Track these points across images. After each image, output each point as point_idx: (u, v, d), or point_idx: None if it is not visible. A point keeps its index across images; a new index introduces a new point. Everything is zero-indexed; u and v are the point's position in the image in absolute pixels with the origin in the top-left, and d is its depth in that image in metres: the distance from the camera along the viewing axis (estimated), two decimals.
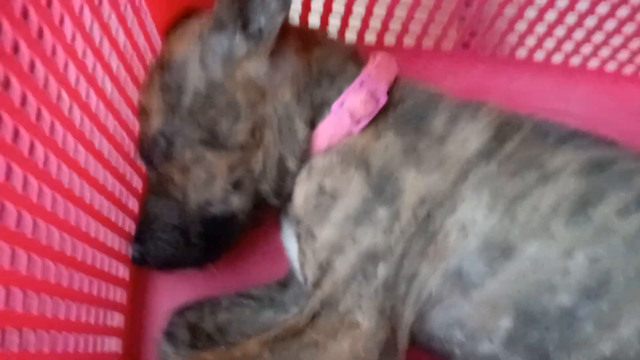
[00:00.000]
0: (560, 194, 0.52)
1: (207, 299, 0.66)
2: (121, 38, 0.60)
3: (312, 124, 0.58)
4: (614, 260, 0.50)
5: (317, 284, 0.54)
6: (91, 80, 0.54)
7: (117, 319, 0.64)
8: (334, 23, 0.74)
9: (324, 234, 0.54)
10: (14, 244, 0.43)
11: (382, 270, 0.52)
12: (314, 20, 0.74)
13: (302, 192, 0.58)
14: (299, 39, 0.60)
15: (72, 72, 0.51)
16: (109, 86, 0.58)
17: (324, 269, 0.53)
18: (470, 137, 0.56)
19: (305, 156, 0.58)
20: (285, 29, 0.57)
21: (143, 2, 0.64)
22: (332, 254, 0.53)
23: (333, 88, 0.59)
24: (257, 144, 0.58)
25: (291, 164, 0.58)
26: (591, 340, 0.50)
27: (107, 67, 0.57)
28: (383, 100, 0.57)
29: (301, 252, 0.57)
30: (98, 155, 0.57)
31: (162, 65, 0.59)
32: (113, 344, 0.63)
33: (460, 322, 0.54)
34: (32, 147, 0.46)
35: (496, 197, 0.53)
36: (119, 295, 0.65)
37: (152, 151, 0.59)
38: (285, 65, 0.58)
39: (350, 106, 0.57)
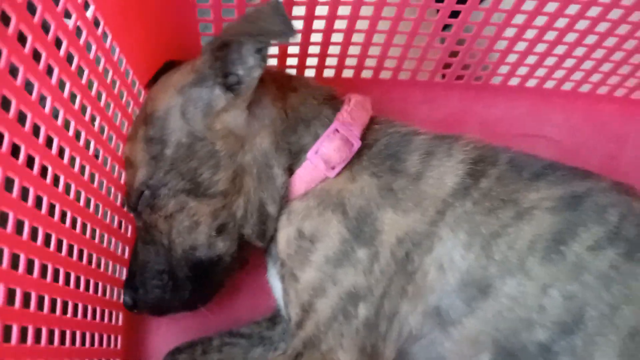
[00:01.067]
0: (535, 232, 0.54)
1: (199, 340, 0.68)
2: (103, 96, 0.62)
3: (290, 170, 0.60)
4: (587, 296, 0.52)
5: (299, 325, 0.56)
6: (73, 142, 0.56)
7: None
8: (311, 62, 0.76)
9: (305, 277, 0.56)
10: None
11: (363, 310, 0.54)
12: (292, 62, 0.75)
13: (284, 236, 0.60)
14: (275, 87, 0.62)
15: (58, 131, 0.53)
16: (92, 143, 0.60)
17: (306, 310, 0.55)
18: (446, 174, 0.57)
19: (284, 201, 0.60)
20: (262, 78, 0.59)
21: (124, 61, 0.66)
22: (313, 295, 0.55)
23: (309, 134, 0.61)
24: (237, 190, 0.60)
25: (271, 208, 0.60)
26: None
27: (88, 127, 0.59)
28: (357, 145, 0.59)
29: (285, 292, 0.59)
30: (84, 212, 0.59)
31: (146, 119, 0.61)
32: None
33: (441, 358, 0.56)
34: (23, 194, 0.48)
35: (473, 235, 0.55)
36: (115, 341, 0.66)
37: (137, 201, 0.61)
38: (263, 114, 0.60)
39: (325, 153, 0.59)
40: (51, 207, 0.52)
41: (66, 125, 0.54)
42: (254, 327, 0.69)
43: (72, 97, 0.55)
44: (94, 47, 0.58)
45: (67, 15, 0.53)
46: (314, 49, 0.74)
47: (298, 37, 0.71)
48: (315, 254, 0.56)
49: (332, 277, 0.55)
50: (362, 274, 0.55)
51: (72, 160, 0.56)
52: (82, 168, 0.58)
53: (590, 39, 0.72)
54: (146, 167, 0.60)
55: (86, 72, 0.57)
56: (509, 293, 0.53)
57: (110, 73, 0.63)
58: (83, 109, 0.58)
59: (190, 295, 0.63)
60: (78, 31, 0.55)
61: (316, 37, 0.71)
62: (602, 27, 0.69)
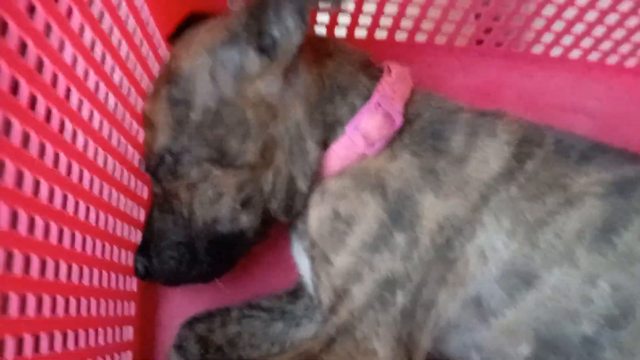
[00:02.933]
0: (584, 220, 0.51)
1: (217, 311, 0.65)
2: (124, 47, 0.57)
3: (325, 144, 0.56)
4: (637, 288, 0.49)
5: (332, 310, 0.53)
6: (92, 93, 0.52)
7: (127, 332, 0.63)
8: (344, 22, 0.71)
9: (340, 261, 0.53)
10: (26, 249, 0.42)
11: (400, 298, 0.51)
12: (323, 19, 0.70)
13: (316, 216, 0.56)
14: (309, 52, 0.57)
15: (76, 81, 0.49)
16: (112, 99, 0.56)
17: (340, 295, 0.52)
18: (490, 157, 0.54)
19: (316, 177, 0.57)
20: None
21: (145, 6, 0.61)
22: (348, 281, 0.52)
23: (346, 104, 0.56)
24: (267, 163, 0.56)
25: (302, 184, 0.56)
26: None
27: (108, 79, 0.54)
28: (399, 122, 0.55)
29: (315, 275, 0.56)
30: (100, 171, 0.55)
31: (169, 78, 0.56)
32: (124, 357, 0.62)
33: (477, 346, 0.53)
34: (41, 153, 0.44)
35: (517, 223, 0.52)
36: (128, 307, 0.64)
37: (158, 167, 0.57)
38: (298, 83, 0.55)
39: (365, 129, 0.55)
40: (69, 166, 0.48)
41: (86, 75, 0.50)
42: (275, 301, 0.66)
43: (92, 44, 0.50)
44: None
45: None
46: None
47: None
48: (352, 237, 0.53)
49: (368, 262, 0.52)
50: (400, 260, 0.51)
51: (90, 113, 0.51)
52: (100, 123, 0.54)
53: None
54: (169, 131, 0.55)
55: (107, 16, 0.52)
56: (554, 284, 0.50)
57: (132, 19, 0.57)
58: (102, 58, 0.53)
59: (207, 269, 0.59)
60: None
61: None
62: None
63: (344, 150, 0.55)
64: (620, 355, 0.49)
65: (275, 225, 0.63)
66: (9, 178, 0.40)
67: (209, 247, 0.58)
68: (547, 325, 0.50)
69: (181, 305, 0.67)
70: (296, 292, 0.66)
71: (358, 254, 0.52)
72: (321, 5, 0.53)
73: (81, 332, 0.51)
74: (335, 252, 0.53)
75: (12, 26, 0.39)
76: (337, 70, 0.57)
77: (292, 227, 0.62)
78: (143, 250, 0.60)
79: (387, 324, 0.51)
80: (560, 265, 0.50)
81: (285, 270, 0.68)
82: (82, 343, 0.51)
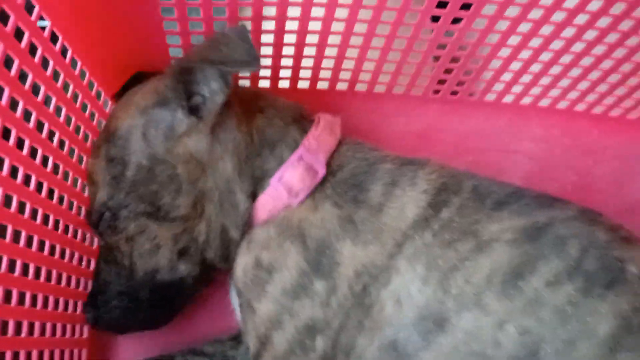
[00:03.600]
0: (493, 266, 0.53)
1: (161, 357, 0.68)
2: (62, 111, 0.60)
3: (254, 196, 0.59)
4: (543, 332, 0.51)
5: (257, 356, 0.55)
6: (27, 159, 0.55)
7: None
8: (285, 75, 0.75)
9: (262, 309, 0.55)
10: None
11: (320, 343, 0.54)
12: (265, 73, 0.74)
13: (241, 265, 0.59)
14: (241, 108, 0.60)
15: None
16: (50, 159, 0.59)
17: (263, 342, 0.55)
18: (407, 205, 0.57)
19: (247, 225, 0.60)
20: (228, 99, 0.57)
21: (87, 74, 0.64)
22: (270, 329, 0.55)
23: (274, 158, 0.59)
24: (199, 215, 0.59)
25: (234, 233, 0.60)
26: None
27: (48, 145, 0.58)
28: (321, 173, 0.58)
29: (242, 321, 0.58)
30: (47, 232, 0.58)
31: (107, 137, 0.60)
32: None
33: None
34: None
35: (430, 269, 0.54)
36: (79, 355, 0.66)
37: (98, 222, 0.60)
38: (227, 139, 0.59)
39: (288, 181, 0.58)
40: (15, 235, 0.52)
41: (19, 144, 0.53)
42: (218, 346, 0.68)
43: (27, 115, 0.54)
44: (51, 63, 0.57)
45: (18, 34, 0.51)
46: (286, 62, 0.72)
47: (265, 65, 0.70)
48: (272, 285, 0.55)
49: (288, 309, 0.54)
50: (320, 306, 0.54)
51: (26, 178, 0.55)
52: (39, 185, 0.57)
53: (566, 58, 0.70)
54: (107, 188, 0.59)
55: (42, 89, 0.56)
56: (465, 327, 0.52)
57: (71, 87, 0.61)
58: (39, 126, 0.56)
59: (151, 316, 0.63)
60: (32, 49, 0.54)
61: (289, 50, 0.70)
62: (578, 47, 0.68)
63: (270, 201, 0.59)
64: None
65: (219, 271, 0.66)
66: None
67: (150, 296, 0.61)
68: None
69: (133, 350, 0.70)
70: (238, 337, 0.68)
71: (279, 301, 0.55)
72: (237, 70, 0.56)
73: None
74: (258, 300, 0.56)
75: None
76: (267, 125, 0.61)
77: (230, 275, 0.64)
78: (91, 300, 0.63)
79: None
80: (470, 310, 0.52)
81: (230, 314, 0.70)
82: None
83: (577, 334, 0.51)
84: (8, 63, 0.50)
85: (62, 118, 0.60)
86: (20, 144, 0.53)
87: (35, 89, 0.55)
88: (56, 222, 0.61)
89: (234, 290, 0.63)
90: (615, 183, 0.80)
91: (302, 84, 0.77)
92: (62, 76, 0.59)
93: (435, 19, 0.65)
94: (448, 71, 0.75)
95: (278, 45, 0.69)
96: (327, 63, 0.73)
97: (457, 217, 0.56)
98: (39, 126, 0.56)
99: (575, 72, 0.72)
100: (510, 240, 0.54)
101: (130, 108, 0.60)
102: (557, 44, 0.68)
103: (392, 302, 0.54)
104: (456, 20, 0.65)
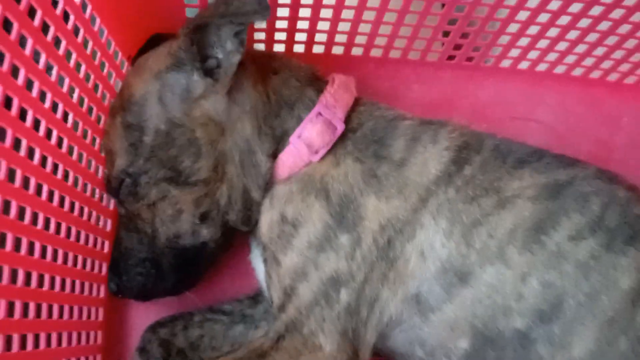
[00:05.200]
0: (516, 221, 0.54)
1: (180, 315, 0.68)
2: (82, 68, 0.60)
3: (274, 155, 0.59)
4: (566, 285, 0.52)
5: (282, 308, 0.56)
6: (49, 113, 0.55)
7: (96, 336, 0.66)
8: (301, 39, 0.74)
9: (288, 261, 0.56)
10: None
11: (344, 296, 0.54)
12: (280, 36, 0.74)
13: (267, 220, 0.59)
14: (256, 69, 0.60)
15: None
16: (71, 117, 0.59)
17: (288, 294, 0.55)
18: (430, 161, 0.57)
19: (269, 185, 0.60)
20: (243, 60, 0.57)
21: (105, 32, 0.64)
22: (295, 280, 0.55)
23: (292, 117, 0.59)
24: (220, 178, 0.59)
25: (256, 194, 0.60)
26: None
27: (68, 101, 0.57)
28: (340, 129, 0.58)
29: (267, 275, 0.59)
30: (66, 187, 0.58)
31: (123, 105, 0.59)
32: None
33: (420, 341, 0.56)
34: (10, 175, 0.48)
35: (454, 223, 0.54)
36: (97, 313, 0.66)
37: (118, 190, 0.60)
38: (244, 100, 0.58)
39: (308, 137, 0.58)
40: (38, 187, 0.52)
41: (42, 97, 0.53)
42: (236, 305, 0.68)
43: (49, 68, 0.54)
44: (72, 17, 0.57)
45: None
46: (302, 24, 0.72)
47: (279, 16, 0.69)
48: (298, 239, 0.56)
49: (314, 261, 0.55)
50: (344, 259, 0.54)
51: (48, 133, 0.55)
52: (60, 140, 0.57)
53: (584, 22, 0.70)
54: (125, 155, 0.59)
55: (63, 43, 0.56)
56: (487, 281, 0.53)
57: (90, 44, 0.61)
58: (60, 81, 0.56)
59: (174, 282, 0.63)
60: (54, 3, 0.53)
61: (305, 12, 0.70)
62: (596, 10, 0.68)
63: (291, 158, 0.59)
64: (551, 347, 0.52)
65: (238, 235, 0.66)
66: None
67: (173, 261, 0.61)
68: (482, 320, 0.53)
69: (148, 312, 0.70)
70: (256, 297, 0.69)
71: (304, 254, 0.55)
72: (249, 21, 0.56)
73: (53, 335, 0.55)
74: (284, 253, 0.56)
75: None
76: (283, 86, 0.61)
77: (252, 234, 0.65)
78: (113, 269, 0.63)
79: (332, 320, 0.53)
80: (493, 264, 0.53)
81: (249, 276, 0.70)
82: (54, 344, 0.55)
83: (599, 287, 0.52)
84: (31, 13, 0.49)
85: (81, 74, 0.60)
86: (42, 96, 0.53)
87: (56, 42, 0.55)
88: (75, 180, 0.61)
89: (256, 248, 0.63)
90: (630, 152, 0.80)
91: (317, 49, 0.77)
92: (81, 32, 0.59)
93: None
94: (465, 35, 0.75)
95: (294, 7, 0.68)
96: (343, 26, 0.72)
97: (479, 174, 0.57)
98: (60, 81, 0.56)
99: (592, 37, 0.72)
100: (532, 196, 0.55)
101: (144, 73, 0.59)
102: (575, 7, 0.67)
103: (416, 255, 0.55)
104: None
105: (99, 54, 0.63)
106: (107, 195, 0.63)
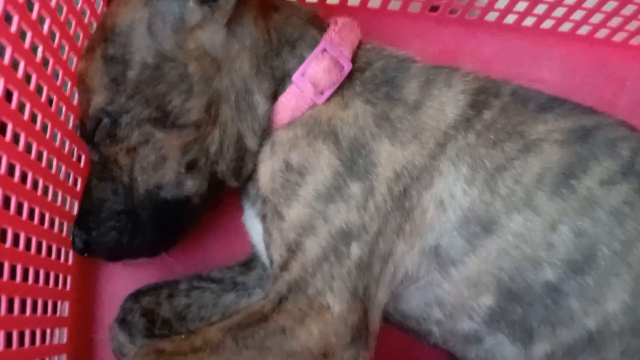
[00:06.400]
0: (543, 165, 0.50)
1: (165, 283, 0.61)
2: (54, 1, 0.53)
3: (274, 98, 0.53)
4: (599, 233, 0.48)
5: (284, 267, 0.49)
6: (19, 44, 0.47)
7: (62, 308, 0.58)
8: None
9: (293, 214, 0.50)
10: None
11: (356, 250, 0.48)
12: None
13: (267, 169, 0.53)
14: (255, 5, 0.54)
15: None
16: (40, 53, 0.51)
17: (293, 250, 0.49)
18: (446, 105, 0.52)
19: (265, 133, 0.54)
20: None
21: None
22: (301, 234, 0.49)
23: (294, 56, 0.54)
24: (212, 121, 0.53)
25: (250, 141, 0.54)
26: (577, 316, 0.48)
27: (36, 28, 0.50)
28: (347, 67, 0.53)
29: (267, 232, 0.52)
30: (32, 131, 0.51)
31: (104, 36, 0.53)
32: (58, 335, 0.57)
33: (438, 301, 0.51)
34: None
35: (475, 169, 0.50)
36: (64, 282, 0.59)
37: (94, 131, 0.53)
38: (244, 34, 0.52)
39: (312, 76, 0.52)
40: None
41: (7, 19, 0.45)
42: (226, 272, 0.62)
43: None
44: None
45: None
46: None
47: None
48: (305, 188, 0.50)
49: (322, 213, 0.49)
50: (356, 210, 0.49)
51: (14, 64, 0.47)
52: (27, 77, 0.49)
53: None
54: (105, 91, 0.52)
55: None
56: (515, 230, 0.49)
57: None
58: (29, 5, 0.49)
59: (152, 240, 0.56)
60: None
61: None
62: None
63: (293, 100, 0.53)
64: (584, 302, 0.48)
65: (225, 194, 0.60)
66: None
67: (152, 215, 0.54)
68: (509, 273, 0.48)
69: (124, 282, 0.63)
70: (248, 263, 0.63)
71: (312, 205, 0.49)
72: None
73: (16, 301, 0.48)
74: (288, 205, 0.50)
75: None
76: (284, 23, 0.55)
77: (244, 193, 0.59)
78: (81, 222, 0.55)
79: (342, 278, 0.48)
80: (520, 211, 0.49)
81: (237, 241, 0.64)
82: (15, 311, 0.48)
83: (635, 235, 0.48)
84: None
85: (53, 3, 0.53)
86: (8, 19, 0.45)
87: None
88: (44, 126, 0.53)
89: (249, 208, 0.57)
90: (634, 112, 0.77)
91: None
92: None
93: None
94: None
95: None
96: None
97: (500, 118, 0.52)
98: (29, 6, 0.48)
99: None
100: (559, 140, 0.51)
101: (131, 1, 0.53)
102: None
103: (434, 205, 0.50)
104: None
105: None
106: (80, 137, 0.55)
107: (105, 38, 0.53)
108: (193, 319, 0.60)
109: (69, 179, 0.59)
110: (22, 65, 0.48)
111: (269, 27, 0.54)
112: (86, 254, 0.57)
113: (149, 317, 0.59)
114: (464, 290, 0.50)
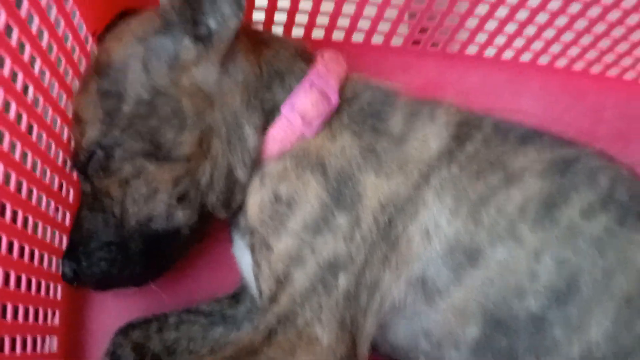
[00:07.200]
0: (525, 196, 0.51)
1: (154, 317, 0.61)
2: (45, 40, 0.54)
3: (263, 129, 0.54)
4: (581, 262, 0.49)
5: (273, 298, 0.50)
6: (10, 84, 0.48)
7: (51, 343, 0.58)
8: (280, 20, 0.70)
9: (281, 245, 0.50)
10: None
11: (343, 280, 0.49)
12: (259, 17, 0.69)
13: (256, 201, 0.54)
14: (246, 40, 0.56)
15: None
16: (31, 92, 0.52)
17: (281, 281, 0.50)
18: (430, 137, 0.54)
19: (255, 164, 0.55)
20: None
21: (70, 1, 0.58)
22: (289, 265, 0.50)
23: (283, 89, 0.55)
24: (204, 154, 0.53)
25: (240, 173, 0.54)
26: (561, 344, 0.48)
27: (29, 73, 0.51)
28: (335, 99, 0.54)
29: (255, 264, 0.53)
30: (21, 169, 0.51)
31: (99, 71, 0.54)
32: None
33: (425, 331, 0.51)
34: None
35: (459, 200, 0.51)
36: (52, 316, 0.58)
37: (87, 163, 0.53)
38: (236, 71, 0.54)
39: (301, 108, 0.54)
40: None
41: None
42: (215, 305, 0.62)
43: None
44: None
45: None
46: (283, 3, 0.68)
47: None
48: (293, 220, 0.51)
49: (310, 244, 0.49)
50: (343, 241, 0.49)
51: (6, 106, 0.48)
52: (19, 117, 0.50)
53: (574, 7, 0.69)
54: (99, 125, 0.53)
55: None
56: (499, 259, 0.49)
57: (54, 10, 0.55)
58: (21, 48, 0.50)
59: (141, 270, 0.56)
60: None
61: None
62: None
63: (282, 132, 0.54)
64: (568, 330, 0.48)
65: (214, 226, 0.61)
66: None
67: (143, 247, 0.55)
68: (494, 302, 0.49)
69: (112, 316, 0.62)
70: (237, 295, 0.63)
71: (300, 236, 0.50)
72: None
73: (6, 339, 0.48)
74: (276, 237, 0.51)
75: None
76: (274, 57, 0.56)
77: (233, 224, 0.59)
78: (71, 253, 0.56)
79: (330, 308, 0.48)
80: (504, 241, 0.50)
81: (226, 273, 0.64)
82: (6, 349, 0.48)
83: (615, 264, 0.49)
84: None
85: (44, 44, 0.54)
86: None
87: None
88: (34, 163, 0.54)
89: (239, 239, 0.58)
90: (612, 143, 0.79)
91: (297, 31, 0.73)
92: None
93: None
94: (451, 20, 0.72)
95: None
96: (326, 6, 0.69)
97: (482, 150, 0.54)
98: (21, 48, 0.50)
99: (580, 23, 0.71)
100: (540, 170, 0.52)
101: (126, 37, 0.54)
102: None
103: (419, 235, 0.50)
104: None
105: (62, 23, 0.57)
106: (74, 170, 0.56)
107: (99, 72, 0.54)
108: (182, 353, 0.60)
109: (57, 215, 0.60)
110: (13, 106, 0.49)
111: (260, 62, 0.56)
112: (75, 284, 0.57)
113: (138, 351, 0.58)
114: (451, 319, 0.50)
